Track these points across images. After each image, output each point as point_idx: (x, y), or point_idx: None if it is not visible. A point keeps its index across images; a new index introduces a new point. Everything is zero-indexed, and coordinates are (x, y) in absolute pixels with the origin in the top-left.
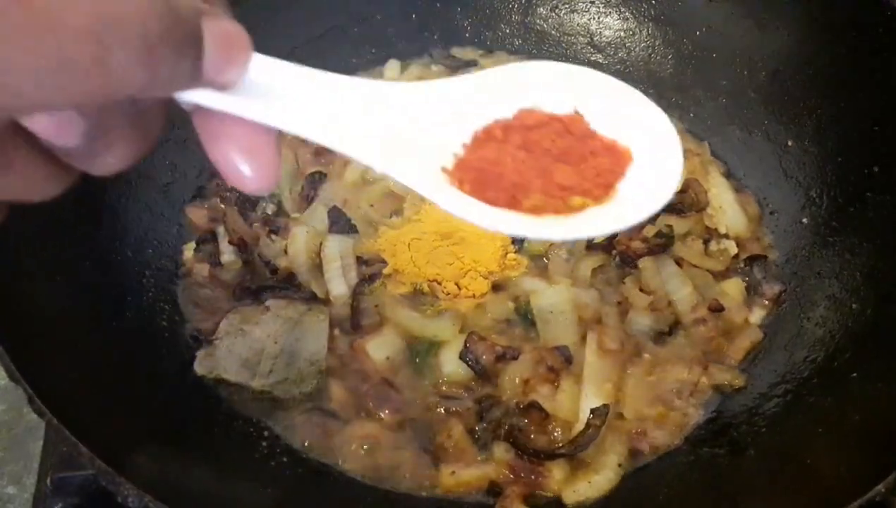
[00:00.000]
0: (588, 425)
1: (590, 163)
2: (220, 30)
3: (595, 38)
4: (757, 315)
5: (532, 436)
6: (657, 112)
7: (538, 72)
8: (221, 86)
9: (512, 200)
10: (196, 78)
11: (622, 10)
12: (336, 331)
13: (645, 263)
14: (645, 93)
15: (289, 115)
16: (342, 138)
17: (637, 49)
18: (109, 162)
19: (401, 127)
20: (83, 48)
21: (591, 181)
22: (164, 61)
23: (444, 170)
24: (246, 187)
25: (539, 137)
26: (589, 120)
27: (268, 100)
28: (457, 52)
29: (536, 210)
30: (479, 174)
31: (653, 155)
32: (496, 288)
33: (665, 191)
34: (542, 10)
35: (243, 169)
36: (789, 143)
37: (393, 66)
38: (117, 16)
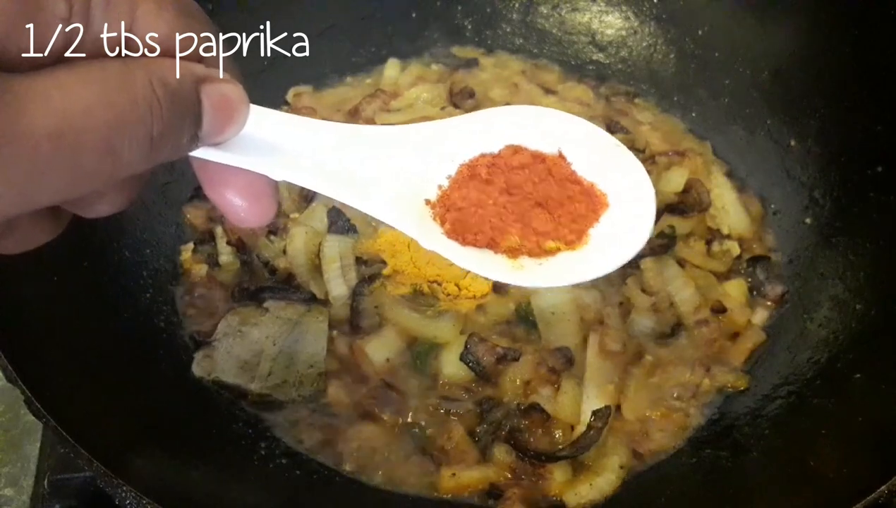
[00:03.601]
0: (589, 427)
1: (566, 209)
2: (219, 95)
3: (597, 37)
4: (760, 316)
5: (533, 438)
6: (636, 163)
7: (527, 114)
8: (218, 144)
9: (491, 242)
10: (195, 143)
11: (624, 8)
12: (335, 333)
13: (647, 264)
14: (647, 92)
15: (280, 163)
16: (332, 185)
17: (639, 48)
18: (101, 208)
19: (387, 167)
20: (98, 160)
21: (566, 227)
22: (166, 144)
23: (427, 202)
24: (245, 224)
25: (521, 180)
26: (571, 161)
27: (261, 149)
28: (457, 50)
29: (512, 251)
30: (461, 215)
31: (628, 203)
32: (497, 288)
33: (636, 242)
34: (543, 8)
35: (242, 209)
36: (792, 143)
37: (393, 64)
38: (125, 122)
